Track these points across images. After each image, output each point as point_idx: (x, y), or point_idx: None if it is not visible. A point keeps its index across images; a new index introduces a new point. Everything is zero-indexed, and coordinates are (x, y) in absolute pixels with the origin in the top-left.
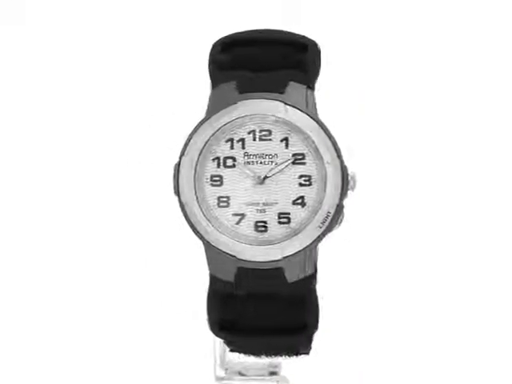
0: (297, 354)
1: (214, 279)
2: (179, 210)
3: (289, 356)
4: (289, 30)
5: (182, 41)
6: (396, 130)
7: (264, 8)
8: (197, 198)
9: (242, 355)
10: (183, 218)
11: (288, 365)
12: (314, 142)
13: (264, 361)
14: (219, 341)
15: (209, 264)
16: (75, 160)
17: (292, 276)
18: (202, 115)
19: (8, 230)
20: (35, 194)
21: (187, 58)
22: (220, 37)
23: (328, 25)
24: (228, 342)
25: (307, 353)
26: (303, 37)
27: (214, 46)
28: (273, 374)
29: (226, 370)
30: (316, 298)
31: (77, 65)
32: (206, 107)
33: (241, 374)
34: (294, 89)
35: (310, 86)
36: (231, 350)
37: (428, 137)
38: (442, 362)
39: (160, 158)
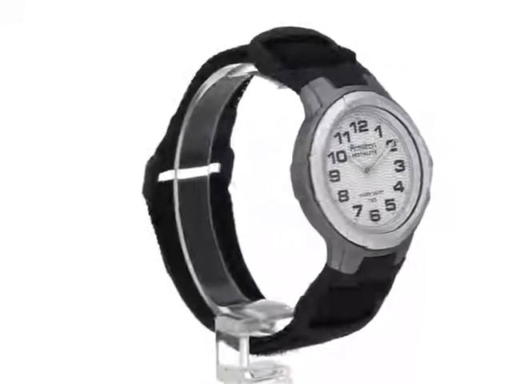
0: None
1: (334, 275)
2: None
3: None
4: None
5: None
6: None
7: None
8: (326, 194)
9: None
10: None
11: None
12: (406, 127)
13: (269, 359)
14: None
15: (332, 259)
16: (74, 160)
17: (398, 260)
18: None
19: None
20: (32, 194)
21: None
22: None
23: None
24: (298, 339)
25: None
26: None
27: (255, 42)
28: (276, 373)
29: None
30: None
31: (75, 64)
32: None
33: None
34: (370, 79)
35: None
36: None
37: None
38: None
39: None
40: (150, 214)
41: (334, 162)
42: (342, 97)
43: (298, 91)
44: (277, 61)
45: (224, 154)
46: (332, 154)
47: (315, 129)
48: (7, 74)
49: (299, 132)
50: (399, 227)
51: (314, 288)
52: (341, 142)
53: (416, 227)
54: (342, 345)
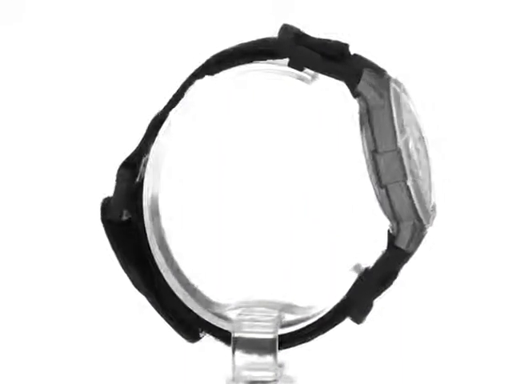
0: None
1: (402, 255)
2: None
3: None
4: None
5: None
6: None
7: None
8: (413, 177)
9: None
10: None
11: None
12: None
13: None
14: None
15: (402, 241)
16: (74, 160)
17: None
18: None
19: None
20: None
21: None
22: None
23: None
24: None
25: None
26: None
27: (285, 39)
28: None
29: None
30: None
31: (75, 65)
32: None
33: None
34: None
35: None
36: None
37: None
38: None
39: None
40: (123, 228)
41: None
42: (390, 85)
43: (355, 84)
44: (319, 56)
45: None
46: None
47: (391, 117)
48: (7, 73)
49: (370, 122)
50: (433, 208)
51: (378, 267)
52: None
53: None
54: (341, 344)
